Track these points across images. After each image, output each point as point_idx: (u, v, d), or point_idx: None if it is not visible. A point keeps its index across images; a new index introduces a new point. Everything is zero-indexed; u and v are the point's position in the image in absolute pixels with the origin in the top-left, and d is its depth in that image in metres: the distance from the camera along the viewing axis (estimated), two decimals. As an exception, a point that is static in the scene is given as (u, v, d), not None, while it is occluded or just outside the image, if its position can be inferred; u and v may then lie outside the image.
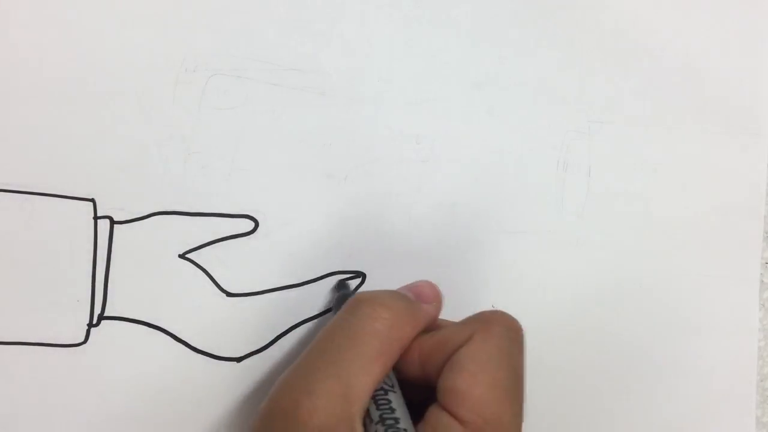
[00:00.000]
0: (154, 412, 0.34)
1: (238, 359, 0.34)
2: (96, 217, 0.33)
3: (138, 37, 0.34)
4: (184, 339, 0.34)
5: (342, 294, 0.34)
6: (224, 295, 0.34)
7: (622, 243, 0.37)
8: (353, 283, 0.35)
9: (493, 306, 0.36)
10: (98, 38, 0.34)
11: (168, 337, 0.34)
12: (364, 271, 0.35)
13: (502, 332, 0.26)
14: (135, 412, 0.34)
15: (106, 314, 0.33)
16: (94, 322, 0.33)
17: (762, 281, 0.38)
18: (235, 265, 0.34)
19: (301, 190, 0.35)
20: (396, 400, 0.26)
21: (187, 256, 0.34)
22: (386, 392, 0.26)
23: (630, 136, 0.37)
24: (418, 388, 0.28)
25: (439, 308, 0.29)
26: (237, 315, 0.34)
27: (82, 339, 0.33)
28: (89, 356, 0.33)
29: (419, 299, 0.29)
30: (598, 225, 0.37)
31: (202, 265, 0.34)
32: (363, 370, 0.25)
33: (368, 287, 0.35)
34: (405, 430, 0.25)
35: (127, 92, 0.34)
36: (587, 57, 0.37)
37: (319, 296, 0.35)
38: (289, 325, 0.35)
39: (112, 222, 0.33)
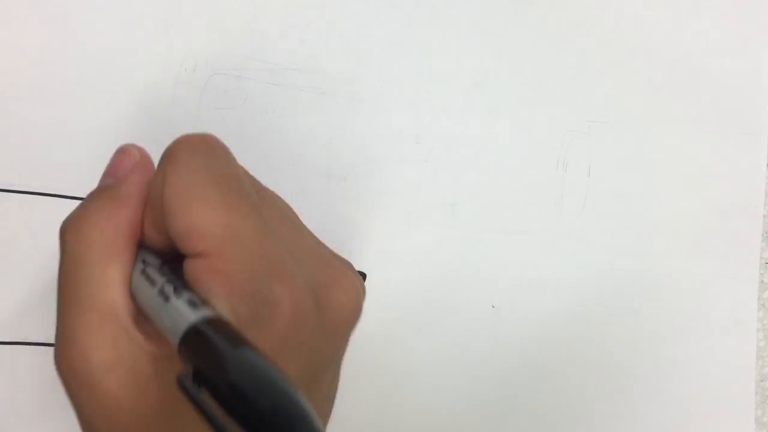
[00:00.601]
0: (154, 412, 0.34)
1: (238, 359, 0.34)
2: (96, 217, 0.33)
3: (138, 37, 0.34)
4: (184, 339, 0.34)
5: None
6: (224, 295, 0.34)
7: (622, 243, 0.37)
8: None
9: (493, 306, 0.36)
10: (98, 38, 0.33)
11: (168, 337, 0.34)
12: (364, 271, 0.35)
13: (188, 155, 0.23)
14: (135, 412, 0.34)
15: (105, 314, 0.33)
16: (94, 322, 0.33)
17: (762, 281, 0.38)
18: (235, 265, 0.34)
19: (301, 190, 0.35)
20: (155, 269, 0.24)
21: (187, 256, 0.34)
22: (150, 270, 0.24)
23: (630, 136, 0.37)
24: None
25: (145, 168, 0.26)
26: (237, 315, 0.34)
27: (81, 339, 0.33)
28: (89, 356, 0.33)
29: (118, 177, 0.26)
30: (597, 225, 0.37)
31: (202, 265, 0.34)
32: (106, 284, 0.23)
33: (368, 287, 0.35)
34: (168, 284, 0.23)
35: (126, 92, 0.34)
36: (587, 57, 0.37)
37: (319, 296, 0.35)
38: (289, 325, 0.34)
39: (112, 222, 0.33)
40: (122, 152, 0.26)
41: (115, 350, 0.23)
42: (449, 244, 0.36)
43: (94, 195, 0.26)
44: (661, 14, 0.37)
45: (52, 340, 0.33)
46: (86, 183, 0.33)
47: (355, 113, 0.35)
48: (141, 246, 0.25)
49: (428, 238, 0.36)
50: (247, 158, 0.34)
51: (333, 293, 0.25)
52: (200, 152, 0.24)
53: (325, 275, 0.25)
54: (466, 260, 0.36)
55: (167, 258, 0.24)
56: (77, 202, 0.33)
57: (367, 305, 0.35)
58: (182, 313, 0.21)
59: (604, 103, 0.37)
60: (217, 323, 0.21)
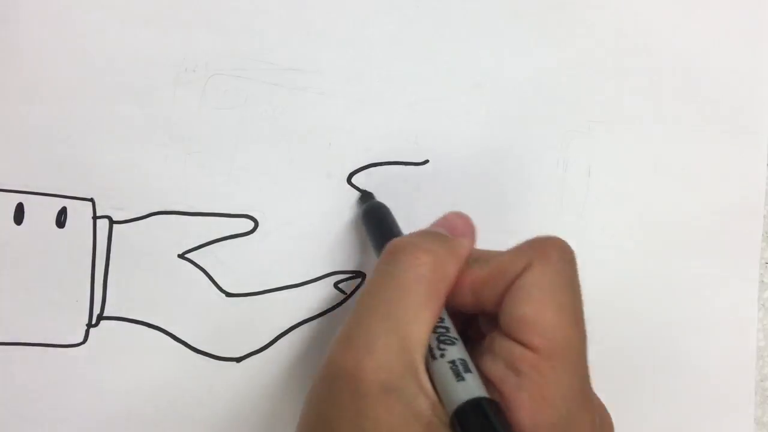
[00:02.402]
0: (154, 412, 0.34)
1: (238, 359, 0.34)
2: (95, 217, 0.33)
3: (138, 37, 0.34)
4: (183, 339, 0.34)
5: (369, 205, 0.34)
6: (224, 295, 0.34)
7: (622, 243, 0.37)
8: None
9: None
10: (98, 38, 0.33)
11: (167, 337, 0.34)
12: (364, 271, 0.35)
13: (559, 256, 0.26)
14: (135, 412, 0.34)
15: (105, 314, 0.33)
16: (93, 322, 0.33)
17: (762, 281, 0.38)
18: (235, 265, 0.34)
19: (301, 190, 0.35)
20: (453, 334, 0.26)
21: (187, 255, 0.34)
22: (443, 330, 0.26)
23: (630, 136, 0.37)
24: (463, 317, 0.28)
25: (474, 238, 0.29)
26: (237, 315, 0.34)
27: (81, 339, 0.33)
28: (88, 356, 0.33)
29: (454, 233, 0.28)
30: (597, 225, 0.37)
31: (201, 265, 0.34)
32: (416, 319, 0.25)
33: (368, 287, 0.35)
34: (463, 360, 0.24)
35: (127, 92, 0.34)
36: (587, 57, 0.37)
37: (319, 296, 0.35)
38: (289, 325, 0.35)
39: (111, 222, 0.33)
40: (460, 216, 0.30)
41: (401, 380, 0.24)
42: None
43: (432, 235, 0.28)
44: (662, 14, 0.37)
45: (51, 341, 0.33)
46: (85, 183, 0.33)
47: (355, 113, 0.35)
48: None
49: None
50: (246, 158, 0.34)
51: (606, 428, 0.27)
52: (568, 260, 0.26)
53: (603, 415, 0.27)
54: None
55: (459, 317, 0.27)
56: (76, 202, 0.33)
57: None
58: (469, 387, 0.23)
59: (604, 103, 0.37)
60: (497, 409, 0.23)
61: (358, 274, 0.35)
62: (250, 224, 0.34)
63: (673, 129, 0.37)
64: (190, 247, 0.34)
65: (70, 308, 0.33)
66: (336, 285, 0.35)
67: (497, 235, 0.36)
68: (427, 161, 0.35)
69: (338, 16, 0.35)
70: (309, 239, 0.35)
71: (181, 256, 0.34)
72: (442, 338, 0.25)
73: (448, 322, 0.26)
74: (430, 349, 0.25)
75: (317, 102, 0.35)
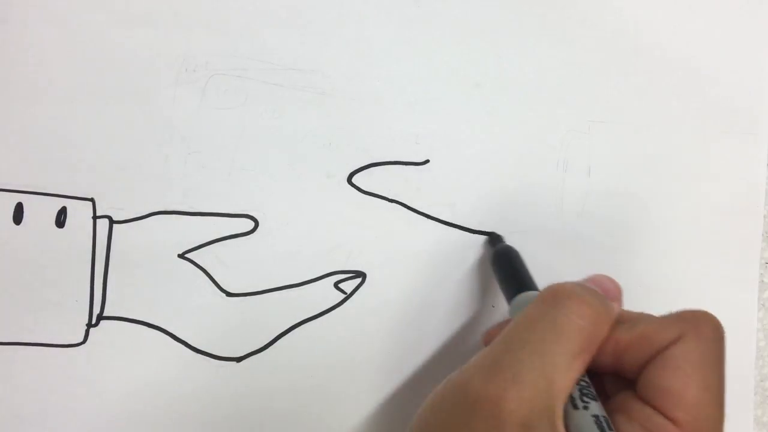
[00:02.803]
0: (154, 412, 0.34)
1: (238, 359, 0.34)
2: (95, 217, 0.33)
3: (138, 37, 0.34)
4: (183, 339, 0.34)
5: (500, 248, 0.34)
6: (224, 294, 0.34)
7: (622, 243, 0.37)
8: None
9: (493, 306, 0.36)
10: (98, 38, 0.33)
11: (167, 337, 0.34)
12: (364, 271, 0.35)
13: (711, 333, 0.26)
14: (135, 412, 0.34)
15: (105, 314, 0.33)
16: (93, 322, 0.33)
17: (762, 281, 0.38)
18: (235, 264, 0.34)
19: (301, 190, 0.35)
20: (593, 390, 0.26)
21: (187, 255, 0.34)
22: (584, 384, 0.26)
23: (630, 136, 0.37)
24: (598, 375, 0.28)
25: (621, 302, 0.30)
26: (237, 315, 0.34)
27: (81, 339, 0.33)
28: (88, 356, 0.33)
29: (606, 295, 0.29)
30: (597, 225, 0.37)
31: (201, 264, 0.34)
32: (567, 366, 0.25)
33: (368, 287, 0.35)
34: (606, 418, 0.25)
35: (127, 92, 0.34)
36: (587, 57, 0.37)
37: (319, 296, 0.35)
38: (289, 325, 0.35)
39: (112, 221, 0.33)
40: (610, 280, 0.31)
41: (540, 419, 0.24)
42: (448, 244, 0.36)
43: (594, 293, 0.28)
44: (662, 14, 0.37)
45: (51, 341, 0.33)
46: (85, 182, 0.33)
47: (355, 113, 0.35)
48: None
49: (427, 239, 0.35)
50: (247, 158, 0.34)
51: None
52: (719, 338, 0.26)
53: None
54: (466, 261, 0.36)
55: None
56: (76, 201, 0.33)
57: (367, 306, 0.35)
58: None
59: (604, 103, 0.37)
60: None
61: (358, 274, 0.35)
62: (251, 224, 0.34)
63: (673, 129, 0.37)
64: (190, 247, 0.34)
65: (70, 308, 0.33)
66: (336, 285, 0.35)
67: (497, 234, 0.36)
68: (427, 161, 0.35)
69: (338, 16, 0.35)
70: (309, 239, 0.35)
71: (181, 255, 0.34)
72: (584, 391, 0.26)
73: (587, 379, 0.27)
74: (572, 399, 0.25)
75: (317, 102, 0.35)
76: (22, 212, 0.33)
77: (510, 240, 0.36)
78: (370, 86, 0.35)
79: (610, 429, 0.24)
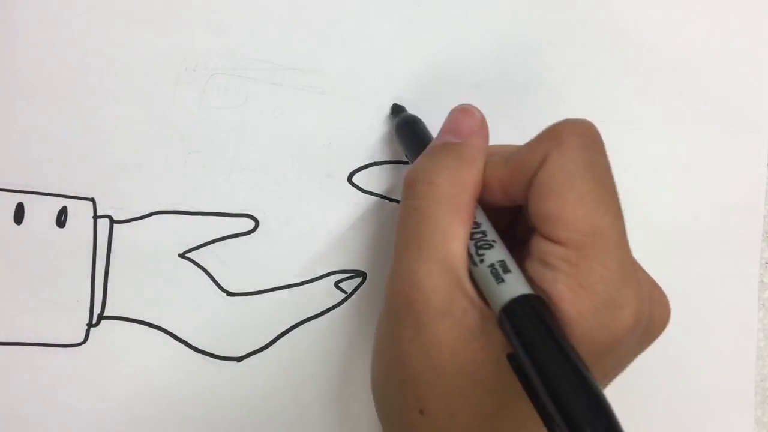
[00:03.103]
0: (154, 412, 0.34)
1: (239, 359, 0.34)
2: (96, 217, 0.33)
3: (138, 37, 0.34)
4: (184, 339, 0.34)
5: (402, 118, 0.34)
6: (224, 294, 0.34)
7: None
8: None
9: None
10: (98, 38, 0.33)
11: (168, 337, 0.34)
12: (365, 271, 0.35)
13: (576, 143, 0.25)
14: (135, 412, 0.34)
15: (105, 314, 0.33)
16: (94, 322, 0.33)
17: (762, 281, 0.38)
18: (236, 264, 0.34)
19: (302, 190, 0.35)
20: (490, 236, 0.26)
21: (187, 255, 0.34)
22: (480, 235, 0.26)
23: (630, 136, 0.37)
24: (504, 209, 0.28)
25: (484, 131, 0.29)
26: (237, 314, 0.34)
27: (81, 339, 0.33)
28: (89, 356, 0.33)
29: (462, 135, 0.28)
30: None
31: (202, 264, 0.34)
32: (446, 239, 0.25)
33: (368, 287, 0.35)
34: (502, 261, 0.25)
35: (127, 92, 0.34)
36: (587, 56, 0.37)
37: (319, 296, 0.35)
38: (289, 325, 0.35)
39: (112, 221, 0.33)
40: (464, 112, 0.29)
41: (450, 300, 0.25)
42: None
43: (440, 151, 0.28)
44: (662, 14, 0.37)
45: (51, 341, 0.33)
46: (86, 182, 0.33)
47: (355, 113, 0.35)
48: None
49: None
50: (247, 158, 0.34)
51: (657, 308, 0.27)
52: (587, 145, 0.25)
53: (653, 290, 0.27)
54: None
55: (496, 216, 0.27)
56: (77, 201, 0.33)
57: (367, 305, 0.35)
58: (510, 287, 0.23)
59: (604, 103, 0.37)
60: (540, 303, 0.23)
61: (358, 274, 0.35)
62: (251, 224, 0.34)
63: (673, 129, 0.37)
64: (190, 247, 0.34)
65: (70, 308, 0.33)
66: (336, 284, 0.35)
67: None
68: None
69: (338, 16, 0.35)
70: (309, 239, 0.35)
71: (182, 255, 0.34)
72: (479, 243, 0.25)
73: (486, 226, 0.26)
74: (470, 257, 0.25)
75: (317, 101, 0.35)
76: (22, 212, 0.33)
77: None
78: (370, 86, 0.35)
79: (506, 272, 0.24)
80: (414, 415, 0.25)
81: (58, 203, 0.33)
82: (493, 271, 0.24)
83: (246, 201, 0.34)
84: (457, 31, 0.36)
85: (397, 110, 0.35)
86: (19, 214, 0.33)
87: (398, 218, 0.27)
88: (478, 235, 0.26)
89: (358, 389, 0.35)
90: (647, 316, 0.25)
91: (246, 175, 0.34)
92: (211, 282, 0.34)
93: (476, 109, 0.29)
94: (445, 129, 0.29)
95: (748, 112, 0.37)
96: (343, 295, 0.35)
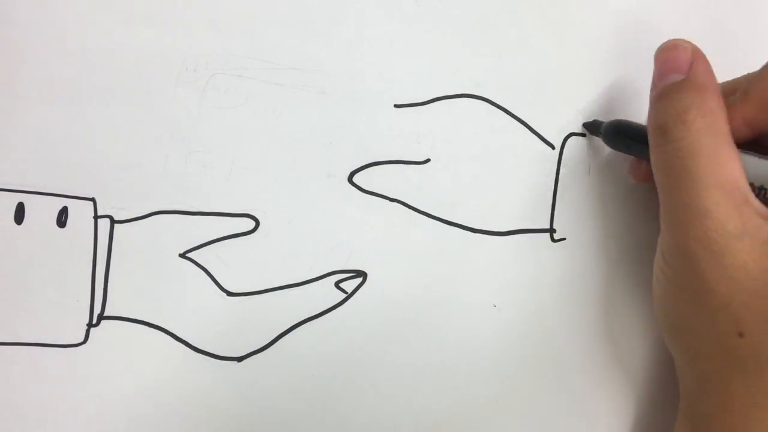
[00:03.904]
0: (154, 413, 0.34)
1: (239, 359, 0.34)
2: (96, 217, 0.33)
3: (138, 37, 0.34)
4: (184, 339, 0.34)
5: (610, 127, 0.34)
6: (225, 294, 0.34)
7: (622, 242, 0.37)
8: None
9: (494, 306, 0.36)
10: (98, 38, 0.33)
11: (168, 337, 0.34)
12: (365, 271, 0.35)
13: None
14: (135, 412, 0.34)
15: (106, 314, 0.33)
16: (94, 322, 0.33)
17: (761, 281, 0.38)
18: (236, 264, 0.34)
19: (302, 190, 0.35)
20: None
21: (188, 255, 0.34)
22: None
23: (630, 136, 0.37)
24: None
25: (706, 61, 0.30)
26: (237, 314, 0.34)
27: (81, 339, 0.33)
28: (89, 356, 0.33)
29: (684, 71, 0.29)
30: (597, 225, 0.37)
31: (202, 264, 0.34)
32: (725, 161, 0.27)
33: (368, 287, 0.35)
34: None
35: (127, 92, 0.34)
36: (587, 56, 0.37)
37: (320, 296, 0.35)
38: (290, 325, 0.35)
39: (113, 221, 0.33)
40: (674, 48, 0.30)
41: (742, 220, 0.26)
42: (449, 244, 0.36)
43: (675, 91, 0.29)
44: (662, 14, 0.37)
45: (51, 341, 0.33)
46: (86, 182, 0.33)
47: (355, 113, 0.35)
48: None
49: (428, 239, 0.36)
50: (247, 158, 0.34)
51: None
52: None
53: None
54: (466, 260, 0.36)
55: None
56: (77, 201, 0.33)
57: (368, 305, 0.35)
58: None
59: (604, 103, 0.37)
60: None
61: (358, 274, 0.35)
62: (251, 223, 0.34)
63: (673, 129, 0.37)
64: (191, 247, 0.34)
65: (70, 308, 0.33)
66: (337, 284, 0.35)
67: (497, 235, 0.36)
68: (428, 160, 0.35)
69: (338, 15, 0.35)
70: (310, 238, 0.35)
71: (183, 255, 0.34)
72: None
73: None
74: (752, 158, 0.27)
75: (317, 101, 0.35)
76: (23, 212, 0.33)
77: (510, 240, 0.36)
78: (371, 85, 0.35)
79: None
80: (733, 339, 0.26)
81: (59, 203, 0.33)
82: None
83: (246, 201, 0.34)
84: (457, 30, 0.36)
85: (592, 127, 0.36)
86: (19, 214, 0.33)
87: (659, 165, 0.28)
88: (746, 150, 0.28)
89: (359, 389, 0.35)
90: None
91: (246, 174, 0.34)
92: (212, 282, 0.34)
93: (682, 40, 0.30)
94: (664, 70, 0.30)
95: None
96: (343, 295, 0.35)
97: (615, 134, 0.34)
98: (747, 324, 0.26)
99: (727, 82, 0.32)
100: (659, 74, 0.30)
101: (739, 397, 0.27)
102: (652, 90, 0.30)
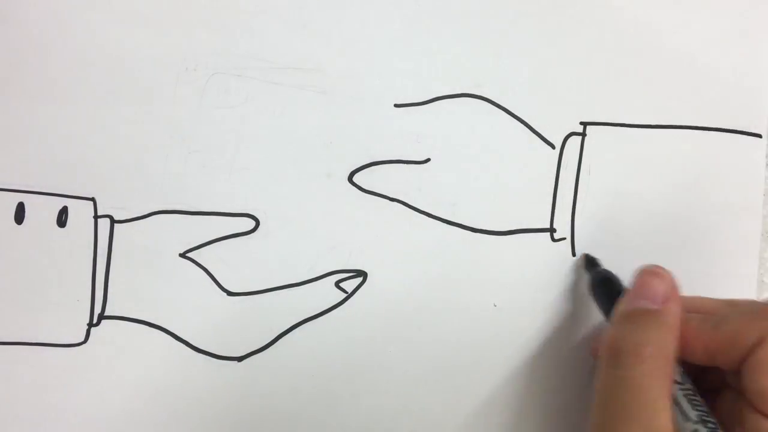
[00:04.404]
0: (154, 412, 0.34)
1: (239, 359, 0.34)
2: (96, 216, 0.33)
3: (138, 37, 0.34)
4: (184, 338, 0.34)
5: (596, 273, 0.34)
6: (225, 294, 0.34)
7: (622, 242, 0.37)
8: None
9: (495, 305, 0.36)
10: (99, 38, 0.33)
11: (168, 337, 0.34)
12: (365, 270, 0.35)
13: None
14: (135, 412, 0.34)
15: (106, 314, 0.33)
16: (95, 321, 0.33)
17: (761, 281, 0.38)
18: (236, 264, 0.34)
19: (302, 190, 0.35)
20: (697, 395, 0.27)
21: (188, 255, 0.34)
22: (689, 392, 0.27)
23: (630, 136, 0.37)
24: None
25: (678, 293, 0.29)
26: (238, 314, 0.34)
27: (82, 339, 0.33)
28: (89, 356, 0.33)
29: (657, 303, 0.29)
30: (597, 224, 0.37)
31: (202, 264, 0.34)
32: (656, 411, 0.26)
33: (368, 287, 0.35)
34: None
35: (127, 92, 0.34)
36: (587, 56, 0.37)
37: (320, 295, 0.35)
38: (290, 325, 0.35)
39: (113, 221, 0.33)
40: (653, 275, 0.30)
41: None
42: (449, 244, 0.36)
43: (641, 319, 0.29)
44: (662, 14, 0.37)
45: (51, 340, 0.33)
46: (86, 182, 0.33)
47: (355, 112, 0.35)
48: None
49: (428, 238, 0.36)
50: (247, 158, 0.34)
51: None
52: None
53: None
54: (466, 260, 0.36)
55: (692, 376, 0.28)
56: (77, 201, 0.33)
57: (368, 305, 0.35)
58: None
59: (603, 103, 0.37)
60: None
61: (358, 274, 0.35)
62: (252, 223, 0.34)
63: (673, 128, 0.37)
64: (191, 247, 0.34)
65: (71, 308, 0.33)
66: (337, 284, 0.35)
67: (497, 235, 0.36)
68: (428, 160, 0.35)
69: (338, 15, 0.35)
70: (310, 238, 0.35)
71: (183, 255, 0.34)
72: (692, 402, 0.27)
73: (688, 383, 0.28)
74: (681, 411, 0.27)
75: (317, 101, 0.35)
76: (23, 212, 0.33)
77: (510, 240, 0.36)
78: (371, 85, 0.35)
79: None
80: None
81: (59, 203, 0.33)
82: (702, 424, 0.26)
83: (246, 200, 0.34)
84: (457, 30, 0.36)
85: (590, 263, 0.35)
86: (19, 214, 0.33)
87: (600, 384, 0.28)
88: (687, 391, 0.27)
89: (359, 389, 0.35)
90: None
91: (246, 174, 0.34)
92: (212, 282, 0.34)
93: (664, 270, 0.30)
94: (639, 293, 0.30)
95: (748, 112, 0.37)
96: (343, 295, 0.35)
97: (596, 287, 0.34)
98: None
99: (705, 300, 0.31)
100: (634, 294, 0.30)
101: None
102: (623, 301, 0.30)
